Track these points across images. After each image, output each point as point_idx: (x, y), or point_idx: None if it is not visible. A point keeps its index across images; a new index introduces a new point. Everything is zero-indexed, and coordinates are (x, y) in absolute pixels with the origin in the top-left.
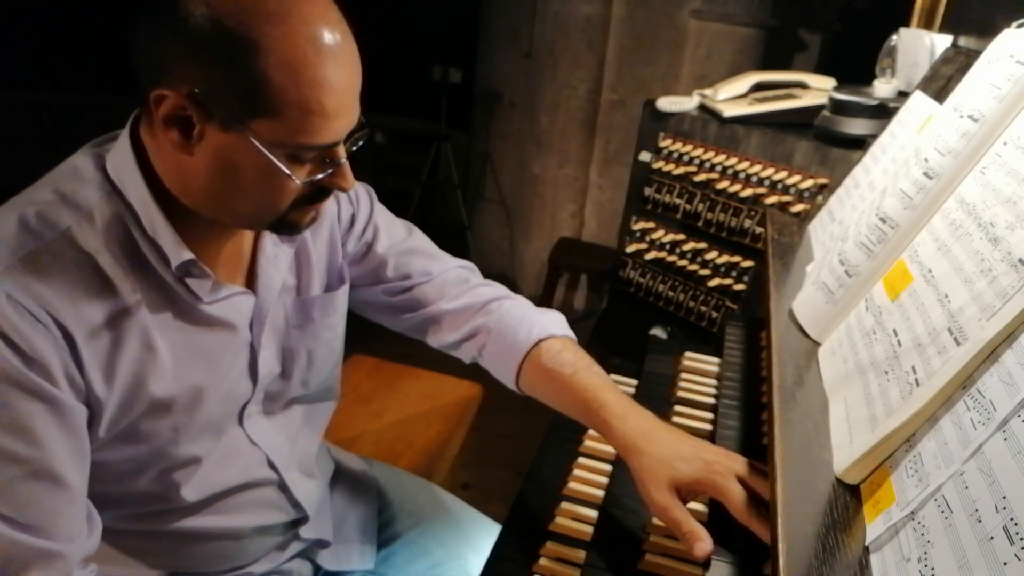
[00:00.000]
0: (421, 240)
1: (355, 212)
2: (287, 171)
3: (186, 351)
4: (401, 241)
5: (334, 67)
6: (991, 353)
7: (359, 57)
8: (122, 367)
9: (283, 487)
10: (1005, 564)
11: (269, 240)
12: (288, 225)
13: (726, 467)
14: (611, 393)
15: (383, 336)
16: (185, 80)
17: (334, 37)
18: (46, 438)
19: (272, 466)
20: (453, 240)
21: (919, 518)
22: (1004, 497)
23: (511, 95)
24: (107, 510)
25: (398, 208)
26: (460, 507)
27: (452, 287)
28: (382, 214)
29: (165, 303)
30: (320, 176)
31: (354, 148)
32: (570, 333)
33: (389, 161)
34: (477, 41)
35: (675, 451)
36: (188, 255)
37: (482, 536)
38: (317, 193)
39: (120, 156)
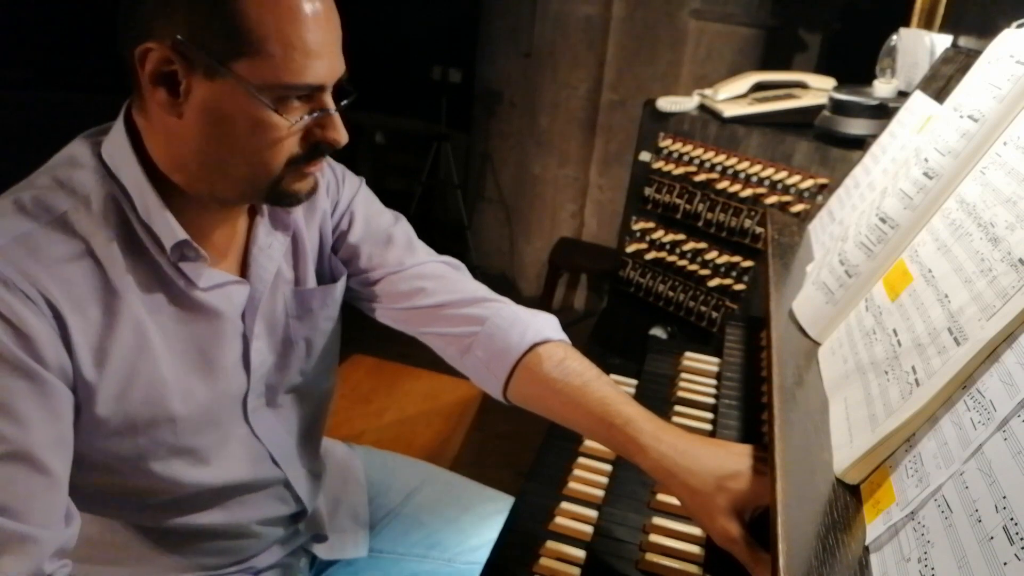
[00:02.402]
0: (403, 232)
1: (338, 199)
2: (275, 111)
3: (179, 340)
4: (379, 231)
5: (312, 3)
6: (991, 353)
7: (337, 12)
8: (114, 352)
9: (286, 484)
10: (1005, 564)
11: (263, 230)
12: (286, 194)
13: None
14: (632, 407)
15: (383, 336)
16: (167, 31)
17: None
18: (28, 418)
19: (275, 462)
20: (453, 240)
21: (919, 518)
22: (1004, 497)
23: (511, 95)
24: (112, 508)
25: (398, 208)
26: (448, 476)
27: (428, 281)
28: (364, 203)
29: (160, 289)
30: (309, 119)
31: (343, 102)
32: (565, 337)
33: (389, 161)
34: (477, 41)
35: (720, 467)
36: (182, 235)
37: (474, 499)
38: (311, 152)
39: (115, 141)
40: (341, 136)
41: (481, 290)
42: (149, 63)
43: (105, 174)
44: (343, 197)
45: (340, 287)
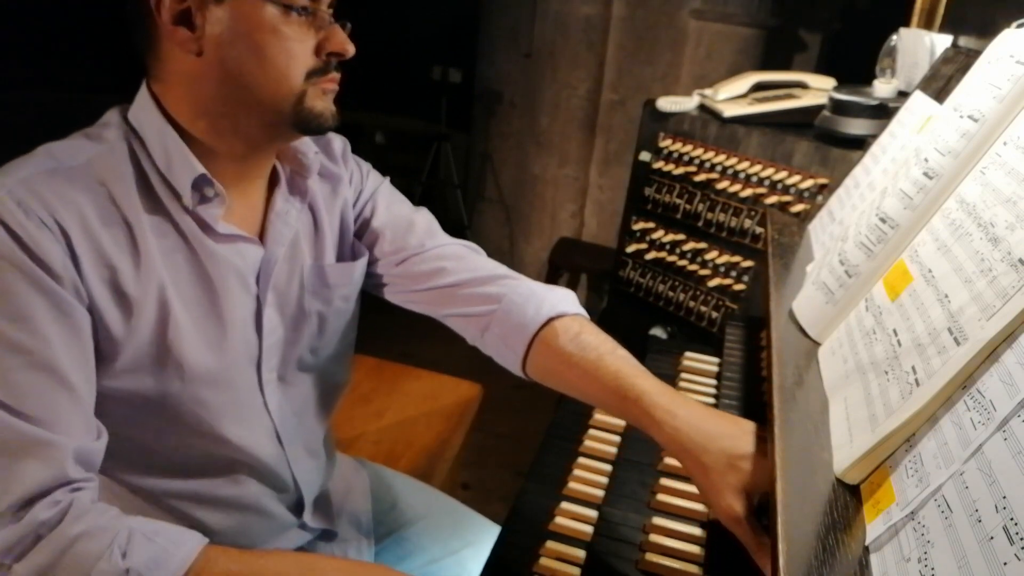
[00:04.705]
0: (423, 218)
1: (361, 189)
2: (283, 18)
3: (191, 286)
4: (401, 216)
5: None
6: (991, 353)
7: None
8: (126, 289)
9: (285, 462)
10: (1005, 564)
11: (280, 197)
12: (311, 115)
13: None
14: (648, 380)
15: (383, 336)
16: None
17: None
18: (47, 332)
19: (278, 438)
20: None
21: (919, 518)
22: (1004, 497)
23: (511, 95)
24: (119, 467)
25: None
26: (455, 506)
27: (449, 261)
28: (387, 193)
29: (174, 236)
30: (313, 25)
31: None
32: (583, 311)
33: (389, 161)
34: (477, 41)
35: (734, 446)
36: (201, 169)
37: (478, 533)
38: (325, 64)
39: (139, 103)
40: (348, 45)
41: (499, 268)
42: (164, 6)
43: (128, 130)
44: (366, 188)
45: (360, 266)
